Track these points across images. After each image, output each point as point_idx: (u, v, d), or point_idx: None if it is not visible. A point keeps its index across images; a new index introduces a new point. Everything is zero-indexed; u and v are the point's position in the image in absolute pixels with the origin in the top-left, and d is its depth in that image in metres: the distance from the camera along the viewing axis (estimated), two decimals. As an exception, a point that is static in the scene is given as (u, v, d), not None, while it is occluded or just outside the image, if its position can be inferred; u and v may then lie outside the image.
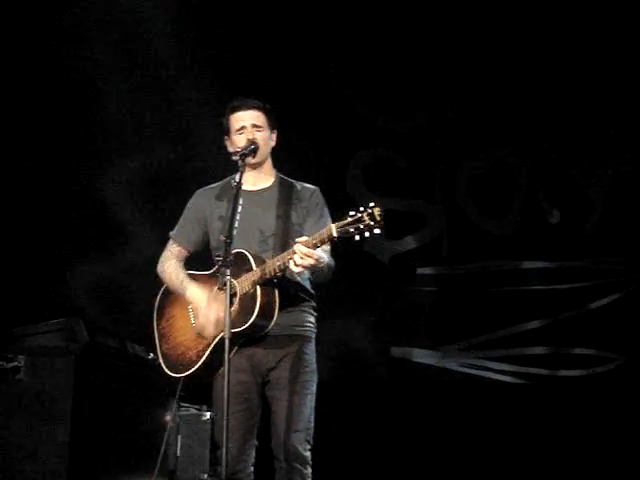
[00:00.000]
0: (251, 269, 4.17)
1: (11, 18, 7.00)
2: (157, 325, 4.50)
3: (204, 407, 5.89)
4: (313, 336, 4.42)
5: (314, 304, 4.45)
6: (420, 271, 7.54)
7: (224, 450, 3.91)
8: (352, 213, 3.91)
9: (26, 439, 5.21)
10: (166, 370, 4.42)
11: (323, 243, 4.04)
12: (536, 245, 7.47)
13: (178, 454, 5.81)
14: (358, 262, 7.33)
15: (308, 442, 4.28)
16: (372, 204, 3.89)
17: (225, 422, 3.91)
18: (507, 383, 7.33)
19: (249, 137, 4.37)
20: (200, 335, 4.30)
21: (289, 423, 4.25)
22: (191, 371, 4.32)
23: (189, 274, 4.49)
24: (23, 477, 5.19)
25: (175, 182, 6.97)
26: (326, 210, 4.44)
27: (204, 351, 4.28)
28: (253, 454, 4.35)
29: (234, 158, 4.28)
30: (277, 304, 4.19)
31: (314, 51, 7.41)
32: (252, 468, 4.35)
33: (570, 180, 7.53)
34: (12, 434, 5.23)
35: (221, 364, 4.06)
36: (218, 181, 4.60)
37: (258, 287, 4.14)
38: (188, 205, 4.58)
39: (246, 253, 4.20)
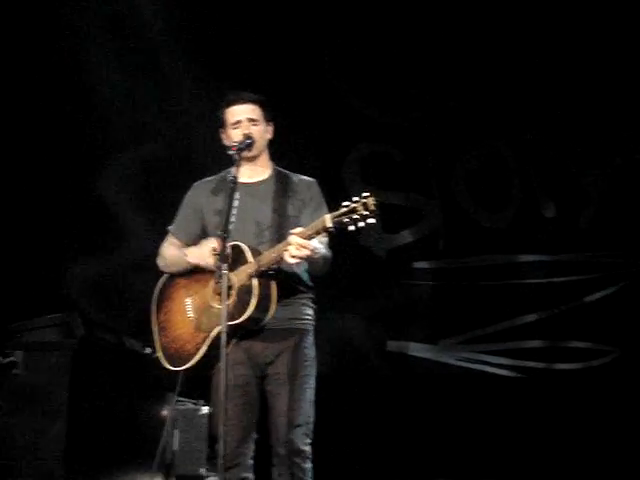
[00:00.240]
0: (247, 261, 4.17)
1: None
2: (156, 318, 4.49)
3: (201, 402, 5.90)
4: (312, 329, 4.42)
5: (312, 296, 4.45)
6: (417, 265, 7.54)
7: (221, 443, 3.90)
8: (346, 203, 3.92)
9: (23, 434, 5.20)
10: (165, 363, 4.41)
11: (318, 234, 4.04)
12: (532, 239, 7.47)
13: (175, 448, 5.81)
14: (355, 256, 7.34)
15: (307, 436, 4.28)
16: (366, 194, 3.90)
17: (222, 415, 3.90)
18: (504, 377, 7.34)
19: (245, 131, 4.37)
20: (198, 329, 4.30)
21: (288, 417, 4.25)
22: (189, 364, 4.31)
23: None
24: (20, 472, 5.18)
25: (171, 178, 6.96)
26: (323, 202, 4.44)
27: (202, 344, 4.27)
28: (252, 447, 4.35)
29: (230, 152, 4.27)
30: (274, 296, 4.19)
31: (310, 44, 7.41)
32: (252, 461, 4.35)
33: (565, 173, 7.54)
34: (9, 429, 5.22)
35: (219, 357, 4.04)
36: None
37: (255, 279, 4.14)
38: (185, 199, 4.58)
39: (242, 246, 4.20)
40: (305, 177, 4.53)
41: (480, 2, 7.38)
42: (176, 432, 5.82)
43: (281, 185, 4.41)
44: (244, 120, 4.41)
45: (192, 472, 5.87)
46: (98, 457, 5.36)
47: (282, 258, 4.10)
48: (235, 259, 4.13)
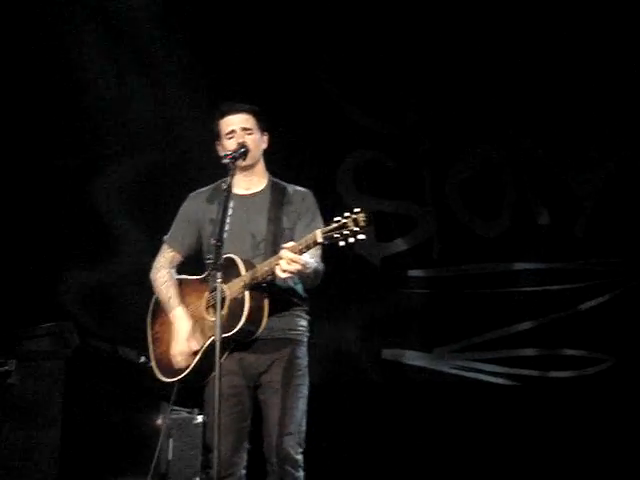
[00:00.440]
0: (240, 274, 4.17)
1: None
2: (151, 329, 4.50)
3: (195, 411, 5.89)
4: (305, 340, 4.43)
5: (306, 308, 4.46)
6: (411, 273, 7.54)
7: (216, 453, 3.90)
8: (337, 219, 3.93)
9: (17, 443, 5.18)
10: (158, 374, 4.43)
11: (309, 248, 4.05)
12: (526, 246, 7.48)
13: (170, 458, 5.81)
14: (349, 264, 7.34)
15: (300, 445, 4.29)
16: (357, 210, 3.90)
17: (217, 425, 3.90)
18: (498, 385, 7.34)
19: (239, 141, 4.37)
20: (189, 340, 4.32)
21: (281, 426, 4.25)
22: (181, 376, 4.34)
23: (181, 279, 4.49)
24: (14, 480, 5.18)
25: (167, 188, 6.97)
26: (318, 213, 4.45)
27: (193, 357, 4.27)
28: (245, 457, 4.36)
29: (224, 162, 4.28)
30: (266, 310, 4.19)
31: (304, 53, 7.43)
32: (244, 471, 4.36)
33: (559, 181, 7.55)
34: (3, 438, 5.21)
35: (212, 369, 4.06)
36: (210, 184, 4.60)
37: (247, 292, 4.15)
38: (181, 209, 4.59)
39: (235, 258, 4.21)
40: (300, 188, 4.54)
41: (475, 10, 7.39)
42: (170, 441, 5.81)
43: (276, 197, 4.41)
44: (238, 130, 4.42)
45: (186, 480, 5.87)
46: (92, 466, 5.35)
47: (274, 272, 4.10)
48: (228, 271, 4.14)
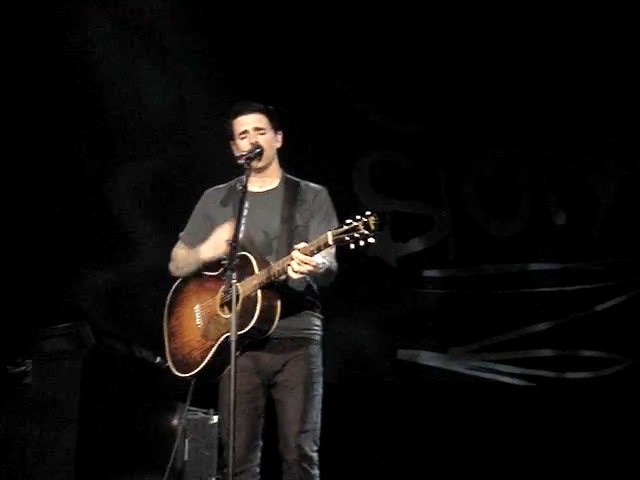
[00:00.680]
0: (253, 272, 4.18)
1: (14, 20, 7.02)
2: (167, 323, 4.51)
3: (211, 411, 5.90)
4: (319, 338, 4.43)
5: (320, 306, 4.46)
6: (427, 273, 7.53)
7: (231, 451, 3.91)
8: (348, 221, 3.91)
9: (34, 443, 5.21)
10: (172, 369, 4.44)
11: (320, 250, 4.04)
12: (542, 247, 7.46)
13: (186, 458, 5.82)
14: (365, 264, 7.33)
15: (315, 443, 4.29)
16: (368, 212, 3.88)
17: (231, 422, 3.91)
18: (514, 385, 7.33)
19: (252, 141, 4.38)
20: (205, 337, 4.32)
21: (297, 424, 4.26)
22: (195, 371, 4.33)
23: (195, 274, 4.49)
24: (31, 480, 5.20)
25: (182, 188, 6.98)
26: (331, 211, 4.44)
27: (208, 352, 4.29)
28: (259, 455, 4.36)
29: (240, 162, 4.29)
30: (278, 308, 4.20)
31: (321, 53, 7.42)
32: (258, 469, 4.36)
33: (576, 181, 7.52)
34: (20, 438, 5.23)
35: (225, 365, 4.09)
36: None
37: (259, 291, 4.15)
38: (197, 206, 4.60)
39: (249, 256, 4.21)
40: (314, 185, 4.53)
41: (493, 10, 7.37)
42: (186, 442, 5.82)
43: (290, 194, 4.42)
44: (251, 130, 4.42)
45: (201, 481, 5.88)
46: (109, 466, 5.36)
47: (286, 272, 4.11)
48: (243, 269, 4.14)
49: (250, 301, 4.14)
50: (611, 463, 6.88)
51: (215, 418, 5.87)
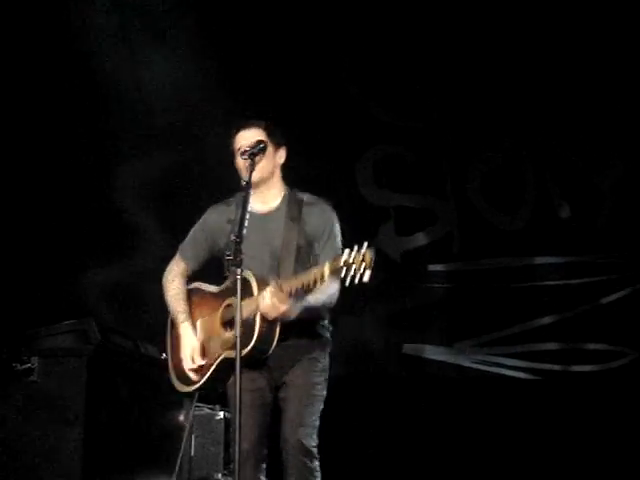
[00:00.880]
0: (252, 294, 4.16)
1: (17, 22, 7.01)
2: (170, 336, 4.51)
3: (217, 407, 5.90)
4: (327, 338, 4.42)
5: (327, 317, 4.44)
6: (431, 268, 7.53)
7: (237, 446, 3.92)
8: (345, 256, 3.85)
9: (40, 440, 5.21)
10: (174, 382, 4.47)
11: (316, 283, 3.99)
12: (547, 240, 7.45)
13: (192, 454, 5.82)
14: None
15: (313, 439, 4.29)
16: (365, 244, 3.85)
17: (237, 422, 3.93)
18: (520, 379, 7.32)
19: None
20: (204, 354, 4.34)
21: (296, 420, 4.27)
22: (195, 387, 4.38)
23: (195, 289, 4.47)
24: (37, 478, 5.20)
25: (186, 185, 6.99)
26: (334, 231, 4.36)
27: (207, 369, 4.32)
28: (265, 452, 4.37)
29: (242, 182, 4.20)
30: (277, 330, 4.17)
31: (325, 49, 7.40)
32: (264, 465, 4.37)
33: (580, 174, 7.51)
34: (26, 436, 5.23)
35: (225, 381, 4.18)
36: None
37: (258, 315, 4.14)
38: (200, 221, 4.53)
39: (250, 278, 4.17)
40: (318, 202, 4.44)
41: (497, 6, 7.36)
42: (193, 437, 5.83)
43: (292, 214, 4.35)
44: (242, 147, 4.32)
45: (208, 477, 5.88)
46: (115, 463, 5.37)
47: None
48: (245, 289, 4.09)
49: (248, 324, 4.11)
50: (617, 456, 6.88)
51: (221, 414, 5.88)
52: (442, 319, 7.44)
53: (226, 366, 4.08)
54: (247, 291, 4.14)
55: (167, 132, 7.27)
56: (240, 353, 3.94)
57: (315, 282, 3.99)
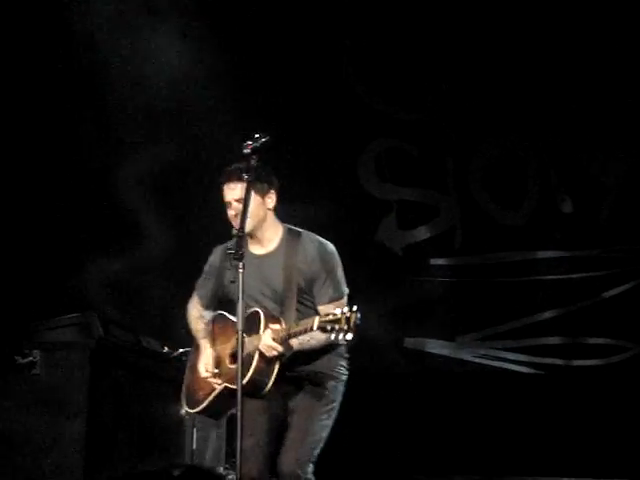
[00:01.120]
0: (258, 332, 4.22)
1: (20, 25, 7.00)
2: (190, 357, 4.57)
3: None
4: (342, 378, 4.41)
5: (345, 346, 4.41)
6: (433, 262, 7.53)
7: (238, 441, 3.93)
8: (331, 317, 3.93)
9: (42, 433, 5.24)
10: (183, 401, 4.53)
11: (306, 332, 4.07)
12: (549, 235, 7.45)
13: (194, 447, 5.83)
14: (371, 253, 7.33)
15: (308, 468, 4.29)
16: (355, 308, 3.91)
17: (239, 415, 3.94)
18: (522, 373, 7.33)
19: (233, 213, 4.28)
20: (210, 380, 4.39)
21: (293, 448, 4.29)
22: (196, 410, 4.45)
23: (220, 316, 4.51)
24: (40, 471, 5.22)
25: (189, 179, 6.99)
26: (334, 270, 4.33)
27: (208, 396, 4.37)
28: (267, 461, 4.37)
29: (234, 233, 4.19)
30: (274, 370, 4.21)
31: (327, 43, 7.39)
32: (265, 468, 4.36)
33: (582, 169, 7.50)
34: (28, 428, 5.25)
35: (225, 412, 4.35)
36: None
37: (257, 353, 4.19)
38: (208, 262, 4.56)
39: (260, 314, 4.25)
40: (317, 242, 4.39)
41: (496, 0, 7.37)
42: (194, 431, 5.83)
43: (290, 255, 4.33)
44: (232, 201, 4.31)
45: (210, 470, 5.87)
46: (117, 456, 5.38)
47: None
48: (251, 325, 4.19)
49: (248, 359, 4.16)
50: (619, 449, 6.88)
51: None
52: (444, 313, 7.44)
53: (225, 396, 4.19)
54: (254, 328, 4.21)
55: (168, 127, 7.26)
56: (233, 386, 4.06)
57: (305, 332, 4.09)
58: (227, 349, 4.37)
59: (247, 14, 7.29)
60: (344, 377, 4.42)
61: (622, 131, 7.39)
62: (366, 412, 6.97)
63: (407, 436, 7.05)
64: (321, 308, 4.23)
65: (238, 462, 3.96)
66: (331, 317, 3.94)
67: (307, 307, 4.28)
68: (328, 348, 4.31)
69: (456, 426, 7.05)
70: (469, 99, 7.51)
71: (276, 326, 4.17)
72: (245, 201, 4.13)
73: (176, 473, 4.67)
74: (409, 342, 7.45)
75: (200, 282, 4.59)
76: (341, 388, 4.41)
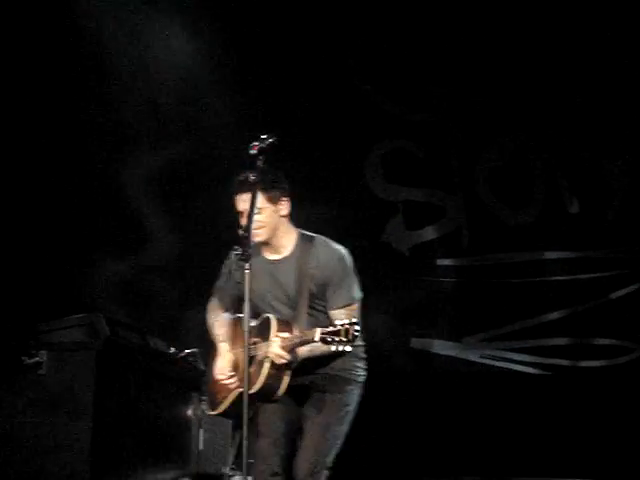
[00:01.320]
0: (268, 339, 4.22)
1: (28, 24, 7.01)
2: (211, 362, 4.56)
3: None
4: (360, 380, 4.40)
5: (362, 345, 4.42)
6: (440, 262, 7.52)
7: (244, 441, 3.96)
8: (331, 329, 3.97)
9: (48, 434, 5.24)
10: (207, 402, 4.61)
11: (308, 342, 4.09)
12: (556, 235, 7.44)
13: (201, 447, 5.83)
14: (377, 253, 7.33)
15: (321, 474, 4.29)
16: (354, 320, 3.99)
17: (245, 420, 3.98)
18: (528, 374, 7.32)
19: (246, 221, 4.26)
20: (227, 384, 4.40)
21: (306, 455, 4.29)
22: (216, 412, 4.46)
23: (237, 318, 4.48)
24: (46, 472, 5.22)
25: (196, 179, 7.00)
26: (346, 277, 4.31)
27: (226, 400, 4.38)
28: (278, 461, 4.35)
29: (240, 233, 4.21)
30: (285, 376, 4.22)
31: (334, 44, 7.39)
32: (278, 469, 4.35)
33: (590, 169, 7.49)
34: (34, 429, 5.25)
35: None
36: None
37: (267, 360, 4.20)
38: (224, 264, 4.55)
39: (271, 320, 4.25)
40: (331, 247, 4.38)
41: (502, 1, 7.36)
42: (201, 432, 5.83)
43: (302, 262, 4.32)
44: (244, 211, 4.29)
45: (217, 471, 5.89)
46: (124, 457, 5.38)
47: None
48: (263, 331, 4.22)
49: (261, 363, 4.19)
50: (624, 450, 6.88)
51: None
52: (450, 314, 7.44)
53: (240, 403, 4.13)
54: (266, 333, 4.23)
55: (176, 124, 7.27)
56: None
57: (307, 342, 4.11)
58: (242, 354, 4.34)
59: (255, 15, 7.29)
60: (361, 379, 4.40)
61: (629, 132, 7.38)
62: (372, 413, 6.95)
63: (414, 437, 7.05)
64: (332, 313, 4.23)
65: (244, 462, 3.99)
66: (331, 329, 3.99)
67: (319, 312, 4.27)
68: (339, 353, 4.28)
69: (463, 427, 7.05)
70: (476, 100, 7.51)
71: (284, 334, 4.16)
72: (252, 203, 4.13)
73: None
74: (416, 343, 7.45)
75: (217, 284, 4.58)
76: (357, 391, 4.40)
